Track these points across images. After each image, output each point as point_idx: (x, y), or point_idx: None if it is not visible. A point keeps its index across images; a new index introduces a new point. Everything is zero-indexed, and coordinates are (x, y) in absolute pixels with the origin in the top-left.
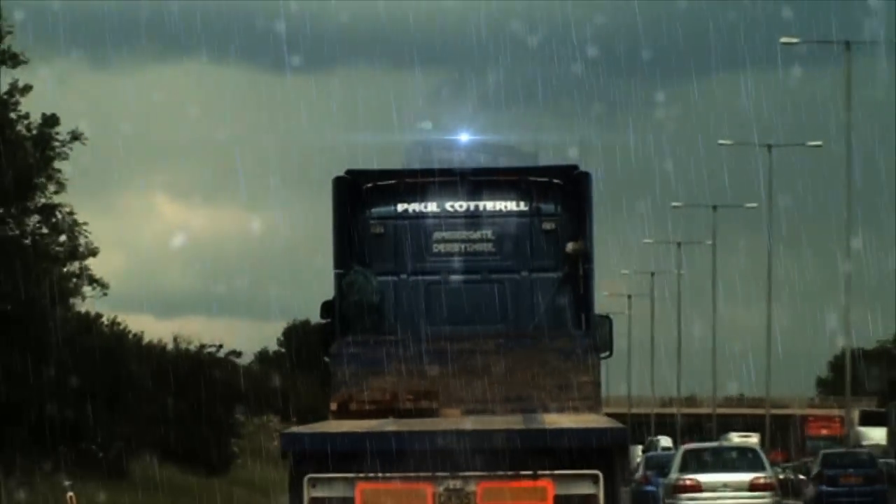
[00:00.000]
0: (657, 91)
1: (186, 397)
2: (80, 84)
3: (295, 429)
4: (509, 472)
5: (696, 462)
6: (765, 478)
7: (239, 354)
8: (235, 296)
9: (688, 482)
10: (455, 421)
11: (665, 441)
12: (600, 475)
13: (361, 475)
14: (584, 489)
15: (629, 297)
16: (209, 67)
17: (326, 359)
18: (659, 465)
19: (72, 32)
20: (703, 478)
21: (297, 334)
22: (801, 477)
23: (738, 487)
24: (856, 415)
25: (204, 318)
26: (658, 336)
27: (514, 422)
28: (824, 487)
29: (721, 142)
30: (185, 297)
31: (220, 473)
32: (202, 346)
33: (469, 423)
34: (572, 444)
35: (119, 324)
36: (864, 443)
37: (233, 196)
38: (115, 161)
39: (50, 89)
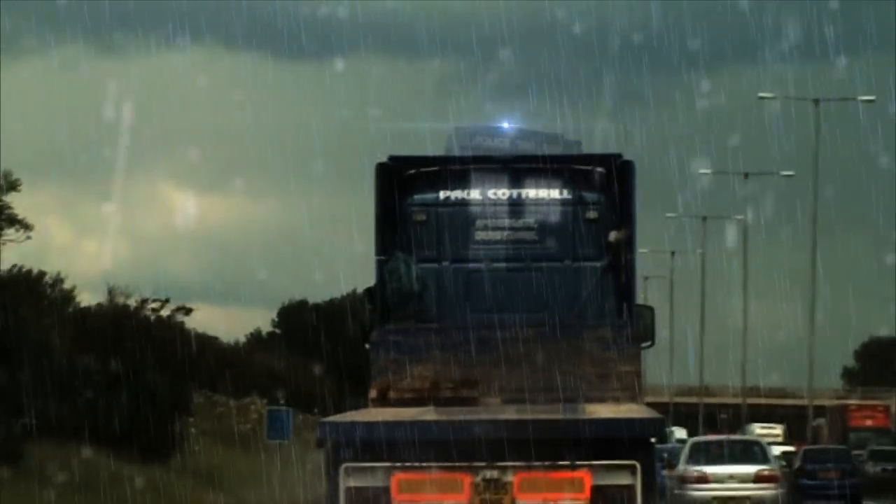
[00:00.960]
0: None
1: (119, 363)
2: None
3: (332, 417)
4: (546, 463)
5: (703, 454)
6: (769, 470)
7: (189, 311)
8: (240, 284)
9: (695, 473)
10: (493, 410)
11: (679, 432)
12: (638, 466)
13: (398, 464)
14: (622, 480)
15: (645, 278)
16: (218, 53)
17: (367, 345)
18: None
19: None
20: (710, 469)
21: (292, 314)
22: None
23: (743, 479)
24: None
25: (208, 305)
26: (678, 321)
27: (552, 411)
28: (804, 481)
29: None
30: (189, 285)
31: (160, 460)
32: (143, 301)
33: (506, 413)
34: (610, 435)
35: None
36: None
37: (239, 184)
38: (120, 148)
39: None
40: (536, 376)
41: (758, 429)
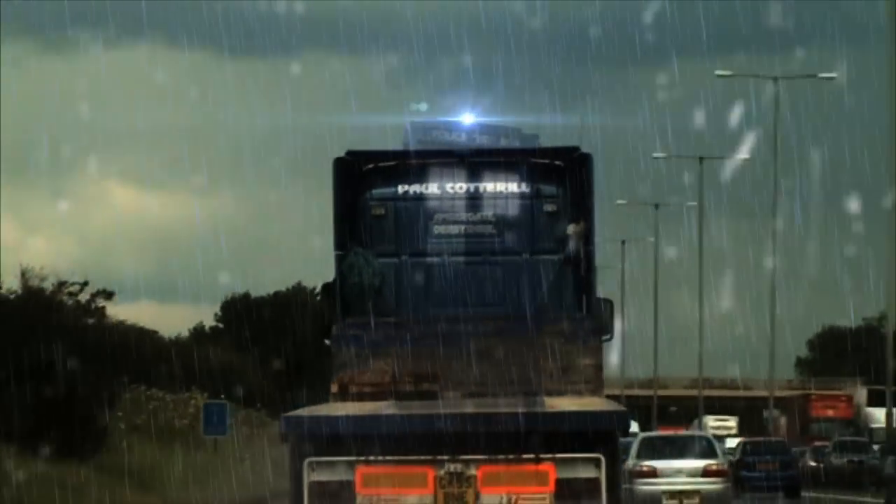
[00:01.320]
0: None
1: (31, 353)
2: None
3: (295, 412)
4: (511, 456)
5: (652, 449)
6: (717, 464)
7: (110, 295)
8: (188, 281)
9: (644, 468)
10: (454, 404)
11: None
12: (602, 459)
13: (362, 458)
14: (587, 473)
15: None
16: (163, 51)
17: (326, 341)
18: None
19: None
20: (659, 464)
21: (235, 308)
22: (812, 464)
23: (691, 473)
24: (863, 395)
25: (156, 303)
26: (631, 312)
27: (515, 405)
28: (744, 472)
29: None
30: (137, 282)
31: (79, 457)
32: (61, 284)
33: (470, 406)
34: (574, 428)
35: None
36: (874, 425)
37: (188, 181)
38: (66, 146)
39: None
40: (497, 370)
41: (712, 421)
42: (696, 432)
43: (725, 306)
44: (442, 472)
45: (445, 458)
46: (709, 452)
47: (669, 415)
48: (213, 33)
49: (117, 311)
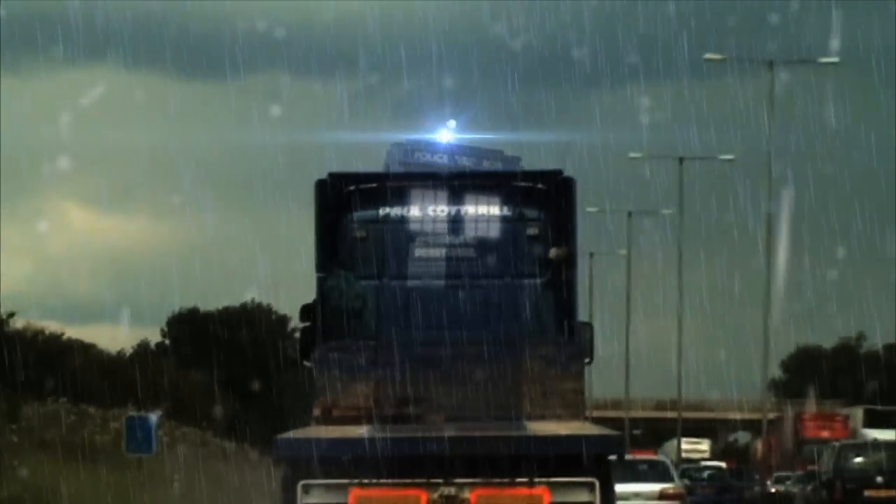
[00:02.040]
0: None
1: None
2: None
3: (288, 434)
4: (505, 480)
5: None
6: (673, 488)
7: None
8: (145, 303)
9: None
10: (447, 427)
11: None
12: (596, 483)
13: (356, 481)
14: (580, 497)
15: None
16: (121, 73)
17: (307, 363)
18: None
19: None
20: (617, 487)
21: (181, 323)
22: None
23: (648, 497)
24: (858, 415)
25: (111, 325)
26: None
27: (500, 429)
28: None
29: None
30: (93, 304)
31: None
32: None
33: (455, 430)
34: (569, 452)
35: None
36: None
37: (145, 203)
38: (22, 167)
39: None
40: (478, 394)
41: (684, 444)
42: (656, 457)
43: (695, 325)
44: (435, 496)
45: (439, 481)
46: (665, 476)
47: (634, 438)
48: (172, 54)
49: (71, 332)
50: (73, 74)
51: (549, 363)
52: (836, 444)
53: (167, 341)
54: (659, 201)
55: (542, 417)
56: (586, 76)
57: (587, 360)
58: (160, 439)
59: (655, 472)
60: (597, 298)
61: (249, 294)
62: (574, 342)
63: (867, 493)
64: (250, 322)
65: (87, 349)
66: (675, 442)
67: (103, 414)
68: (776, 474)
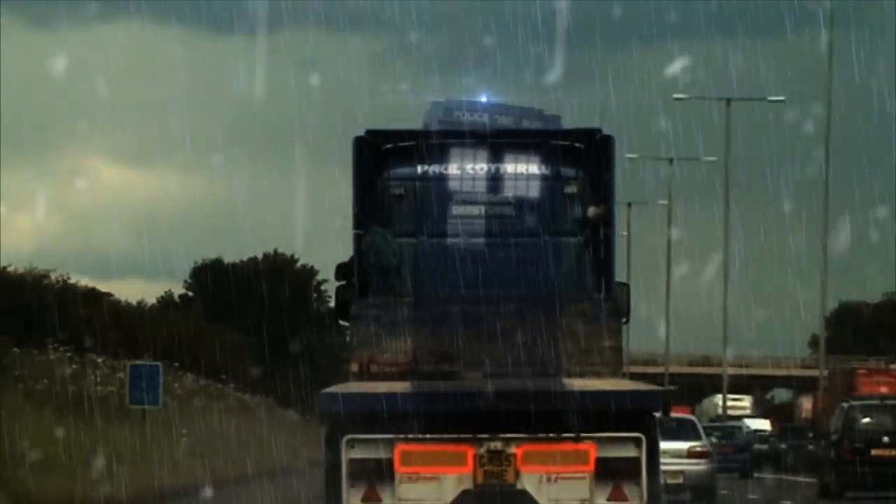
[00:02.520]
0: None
1: None
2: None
3: (333, 389)
4: (551, 435)
5: None
6: (701, 446)
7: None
8: (172, 258)
9: None
10: (495, 382)
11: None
12: (643, 438)
13: (401, 436)
14: (627, 452)
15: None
16: (151, 28)
17: (343, 321)
18: None
19: None
20: None
21: (207, 275)
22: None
23: (676, 454)
24: None
25: (143, 280)
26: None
27: (549, 384)
28: None
29: None
30: (122, 259)
31: None
32: None
33: (512, 385)
34: (616, 407)
35: None
36: None
37: (174, 159)
38: (50, 122)
39: None
40: (516, 351)
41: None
42: (684, 415)
43: (730, 284)
44: (482, 451)
45: (485, 436)
46: (693, 435)
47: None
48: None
49: (107, 286)
50: (102, 29)
51: (588, 320)
52: (845, 404)
53: (190, 293)
54: (701, 148)
55: (581, 374)
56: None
57: (624, 320)
58: (174, 391)
59: (684, 430)
60: (635, 250)
61: (274, 245)
62: (612, 299)
63: (874, 452)
64: (276, 273)
65: (98, 298)
66: (714, 399)
67: (113, 365)
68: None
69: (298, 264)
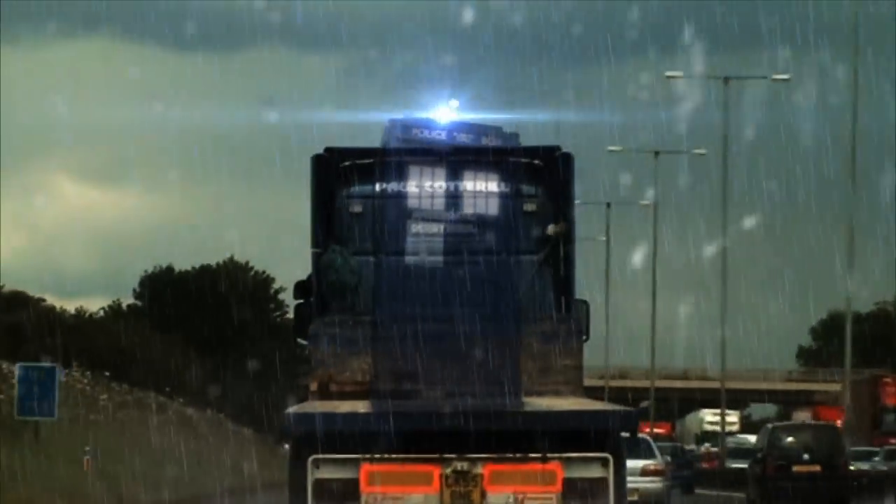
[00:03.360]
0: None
1: None
2: None
3: (299, 408)
4: (517, 455)
5: None
6: (655, 464)
7: None
8: (129, 273)
9: None
10: (463, 402)
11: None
12: (610, 458)
13: (367, 456)
14: (594, 473)
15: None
16: (116, 45)
17: (301, 340)
18: None
19: None
20: None
21: (157, 283)
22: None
23: (631, 472)
24: None
25: (102, 298)
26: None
27: (512, 405)
28: None
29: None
30: (86, 278)
31: None
32: None
33: (480, 406)
34: (584, 427)
35: None
36: None
37: (136, 177)
38: (14, 140)
39: None
40: (477, 370)
41: (709, 416)
42: (641, 434)
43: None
44: (448, 471)
45: (452, 456)
46: (647, 453)
47: (643, 410)
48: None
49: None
50: (68, 46)
51: (548, 339)
52: (770, 426)
53: (139, 303)
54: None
55: (541, 393)
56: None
57: (584, 338)
58: (95, 400)
59: (638, 448)
60: (615, 253)
61: (228, 252)
62: (572, 318)
63: (795, 468)
64: (231, 282)
65: (27, 304)
66: (699, 414)
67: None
68: (852, 449)
69: (252, 272)
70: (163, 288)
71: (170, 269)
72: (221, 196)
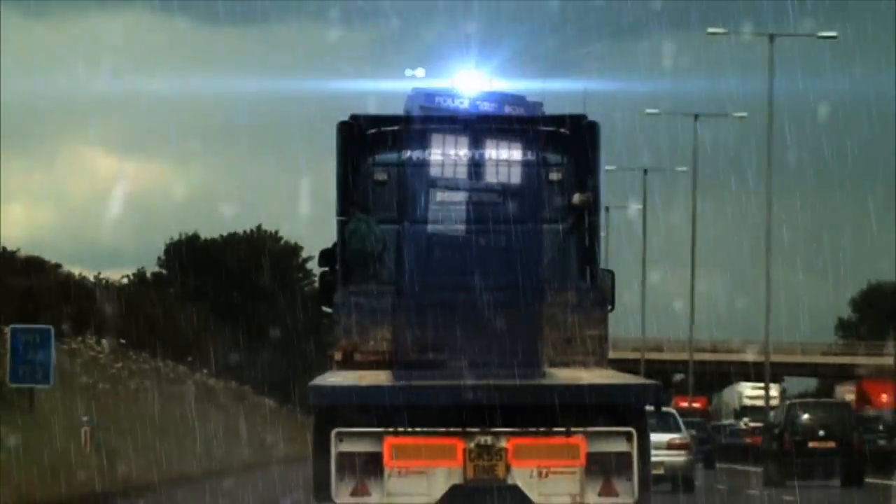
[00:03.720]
0: None
1: None
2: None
3: (322, 381)
4: (541, 429)
5: None
6: (681, 438)
7: None
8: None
9: None
10: (487, 375)
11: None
12: (634, 433)
13: (390, 430)
14: (618, 447)
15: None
16: (150, 17)
17: (326, 308)
18: None
19: None
20: None
21: (182, 251)
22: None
23: (656, 446)
24: None
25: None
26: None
27: (534, 376)
28: None
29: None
30: (119, 250)
31: None
32: None
33: (503, 378)
34: (608, 401)
35: None
36: None
37: (168, 149)
38: (49, 113)
39: None
40: (501, 340)
41: (748, 390)
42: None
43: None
44: (472, 445)
45: (475, 430)
46: (673, 427)
47: (677, 383)
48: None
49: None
50: (99, 20)
51: (573, 309)
52: (787, 402)
53: (164, 271)
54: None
55: (566, 364)
56: None
57: (609, 308)
58: (108, 371)
59: (665, 423)
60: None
61: (257, 222)
62: (597, 288)
63: (811, 444)
64: (257, 250)
65: (44, 270)
66: (737, 387)
67: (71, 343)
68: None
69: (282, 241)
70: (188, 256)
71: (195, 236)
72: (251, 167)
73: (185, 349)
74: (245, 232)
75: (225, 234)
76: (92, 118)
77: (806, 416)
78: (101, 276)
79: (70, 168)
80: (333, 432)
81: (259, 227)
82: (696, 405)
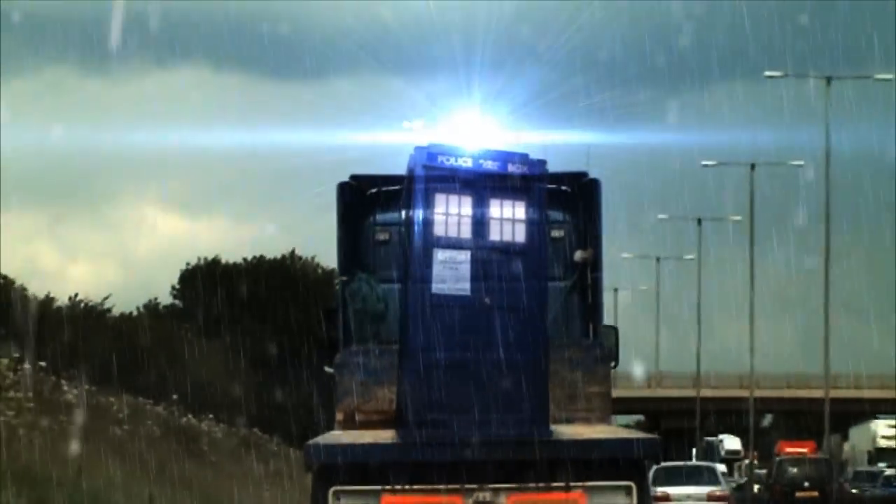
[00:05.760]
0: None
1: None
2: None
3: (320, 439)
4: (540, 484)
5: (665, 476)
6: (720, 491)
7: None
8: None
9: (658, 494)
10: (484, 431)
11: (731, 441)
12: (633, 486)
13: (388, 487)
14: (618, 501)
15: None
16: (207, 74)
17: (328, 368)
18: None
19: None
20: (671, 490)
21: (198, 277)
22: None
23: (698, 498)
24: None
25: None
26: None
27: (539, 432)
28: None
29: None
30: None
31: None
32: None
33: (499, 434)
34: (607, 455)
35: None
36: None
37: (227, 206)
38: (109, 171)
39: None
40: (504, 398)
41: (882, 428)
42: (703, 462)
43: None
44: (470, 501)
45: (474, 486)
46: (713, 480)
47: (764, 428)
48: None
49: None
50: (158, 77)
51: (576, 366)
52: (777, 458)
53: (177, 301)
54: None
55: (569, 421)
56: None
57: (613, 364)
58: (53, 405)
59: (705, 475)
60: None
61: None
62: (600, 345)
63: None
64: (285, 278)
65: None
66: (871, 425)
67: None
68: None
69: (319, 269)
70: (206, 284)
71: (215, 261)
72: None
73: (170, 388)
74: (276, 258)
75: (249, 258)
76: (148, 176)
77: (794, 469)
78: (86, 302)
79: (130, 226)
80: (331, 490)
81: (293, 253)
82: (802, 450)
